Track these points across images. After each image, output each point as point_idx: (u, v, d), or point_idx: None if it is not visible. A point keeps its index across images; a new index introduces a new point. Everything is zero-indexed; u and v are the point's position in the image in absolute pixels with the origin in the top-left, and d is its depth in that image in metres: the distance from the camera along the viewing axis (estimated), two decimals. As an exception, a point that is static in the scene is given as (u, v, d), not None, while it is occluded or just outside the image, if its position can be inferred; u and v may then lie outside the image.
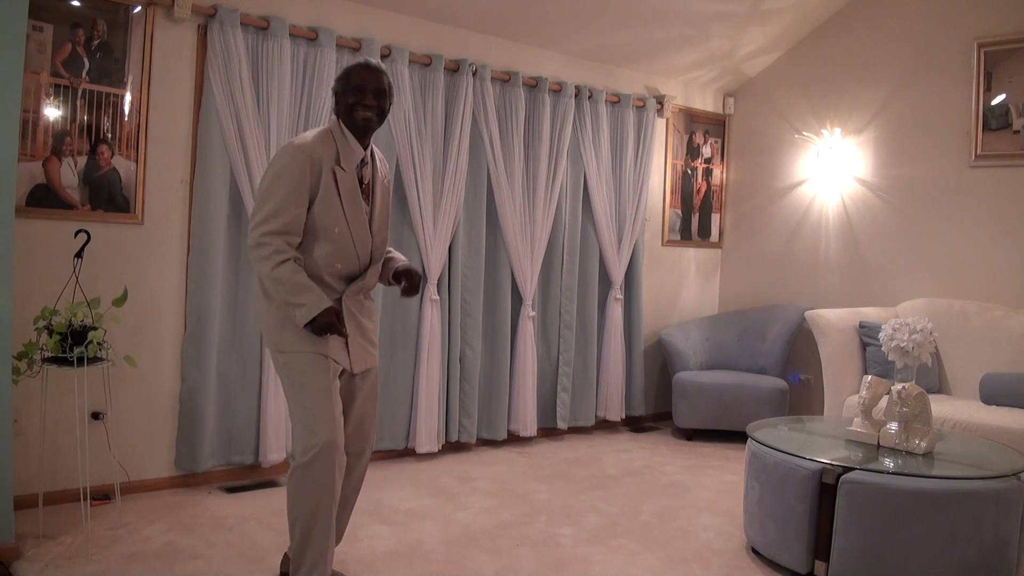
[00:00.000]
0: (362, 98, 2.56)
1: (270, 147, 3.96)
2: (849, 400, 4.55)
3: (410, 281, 2.73)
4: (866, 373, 4.62)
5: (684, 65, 5.71)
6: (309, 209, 2.53)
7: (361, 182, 2.63)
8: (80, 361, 3.08)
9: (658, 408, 5.89)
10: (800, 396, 5.59)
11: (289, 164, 2.50)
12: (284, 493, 3.82)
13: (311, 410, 2.56)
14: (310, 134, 2.59)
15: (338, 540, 2.84)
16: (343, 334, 2.55)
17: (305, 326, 2.50)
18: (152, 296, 3.77)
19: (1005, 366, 4.35)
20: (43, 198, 3.48)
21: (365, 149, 2.64)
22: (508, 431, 4.97)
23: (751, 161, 6.12)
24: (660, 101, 5.68)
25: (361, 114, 2.57)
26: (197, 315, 3.83)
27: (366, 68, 2.61)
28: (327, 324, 2.49)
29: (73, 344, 3.09)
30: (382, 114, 2.64)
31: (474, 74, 4.70)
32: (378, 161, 2.73)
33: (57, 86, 3.49)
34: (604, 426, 5.53)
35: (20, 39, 2.88)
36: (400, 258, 2.86)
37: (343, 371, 2.67)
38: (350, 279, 2.64)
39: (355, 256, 2.61)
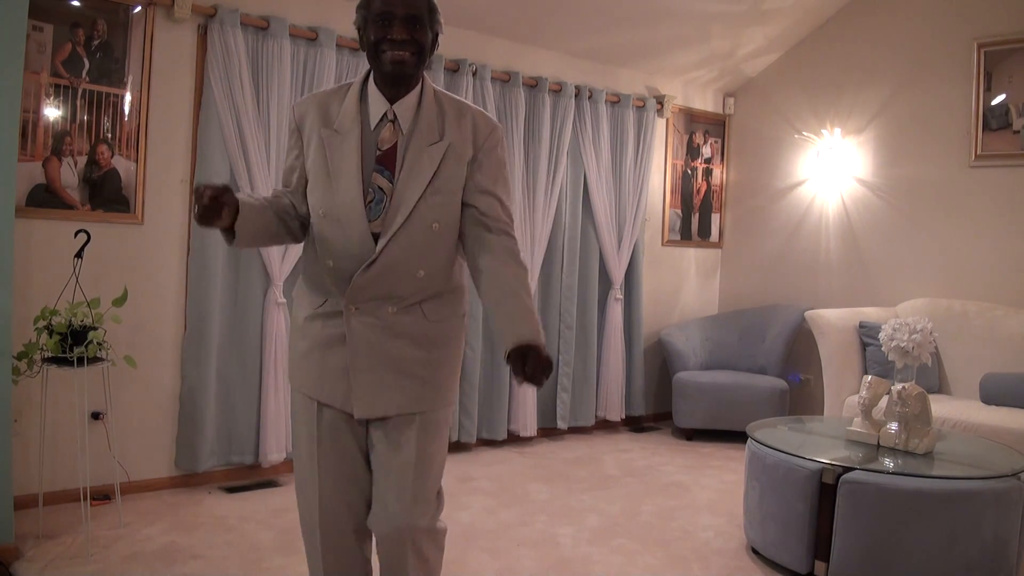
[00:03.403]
0: (388, 31, 1.84)
1: (270, 147, 3.96)
2: (849, 400, 4.55)
3: (531, 369, 1.74)
4: (866, 373, 4.62)
5: (684, 65, 5.70)
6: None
7: (379, 146, 1.89)
8: (80, 361, 3.08)
9: (658, 408, 5.88)
10: (800, 396, 5.58)
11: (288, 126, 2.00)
12: (284, 493, 3.86)
13: (296, 474, 2.00)
14: (330, 87, 2.03)
15: None
16: (201, 198, 1.72)
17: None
18: (152, 296, 3.77)
19: (1005, 366, 4.35)
20: (43, 198, 3.48)
21: (393, 102, 1.90)
22: (508, 431, 4.97)
23: (751, 161, 6.12)
24: (660, 101, 5.68)
25: (389, 55, 1.84)
26: (197, 315, 3.83)
27: None
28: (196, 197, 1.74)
29: (73, 344, 3.09)
30: (420, 51, 1.87)
31: (474, 74, 4.70)
32: (427, 114, 1.91)
33: (57, 86, 3.49)
34: (604, 426, 5.53)
35: (20, 39, 2.88)
36: (526, 315, 1.86)
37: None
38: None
39: (350, 252, 1.87)
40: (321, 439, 1.93)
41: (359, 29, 1.91)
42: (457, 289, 2.03)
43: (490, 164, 1.96)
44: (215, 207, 1.74)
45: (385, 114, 1.90)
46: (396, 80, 1.88)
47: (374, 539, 1.99)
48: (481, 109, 2.03)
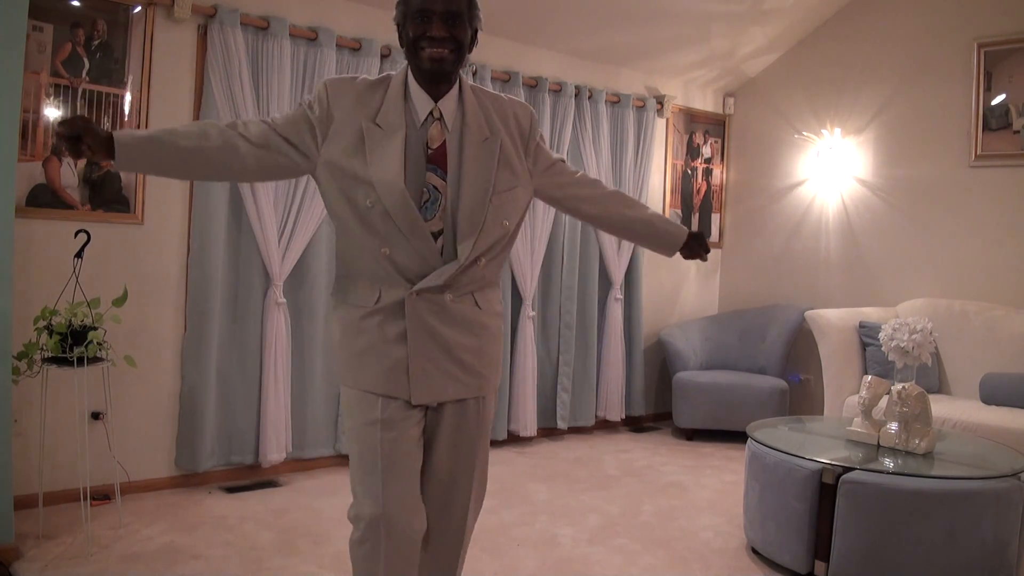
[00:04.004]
0: (427, 28, 1.84)
1: (270, 147, 3.95)
2: (849, 400, 4.55)
3: (698, 250, 2.21)
4: (866, 373, 4.62)
5: (684, 65, 5.70)
6: (327, 171, 1.89)
7: (428, 145, 1.89)
8: (80, 361, 3.08)
9: (658, 408, 5.88)
10: (800, 396, 5.59)
11: (312, 97, 1.94)
12: (284, 493, 3.86)
13: (354, 470, 1.94)
14: (368, 77, 1.98)
15: None
16: (62, 135, 1.71)
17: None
18: (152, 296, 3.77)
19: (1005, 366, 4.35)
20: (43, 198, 3.48)
21: (437, 100, 1.91)
22: (508, 431, 4.97)
23: (751, 161, 6.12)
24: (660, 101, 5.68)
25: (427, 52, 1.84)
26: (197, 315, 3.83)
27: None
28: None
29: (73, 344, 3.09)
30: (459, 48, 1.88)
31: (474, 74, 4.70)
32: (472, 110, 1.94)
33: (57, 86, 3.49)
34: (604, 426, 5.53)
35: (20, 39, 2.87)
36: (670, 223, 2.24)
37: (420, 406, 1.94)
38: (418, 272, 1.88)
39: (404, 241, 1.85)
40: (388, 434, 1.89)
41: (399, 25, 1.90)
42: (499, 281, 2.09)
43: (542, 145, 2.07)
44: (73, 144, 1.71)
45: (431, 112, 1.90)
46: (435, 77, 1.88)
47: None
48: (513, 97, 2.06)
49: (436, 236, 1.87)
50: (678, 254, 2.23)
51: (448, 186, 1.88)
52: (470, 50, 1.93)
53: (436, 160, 1.88)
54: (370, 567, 1.89)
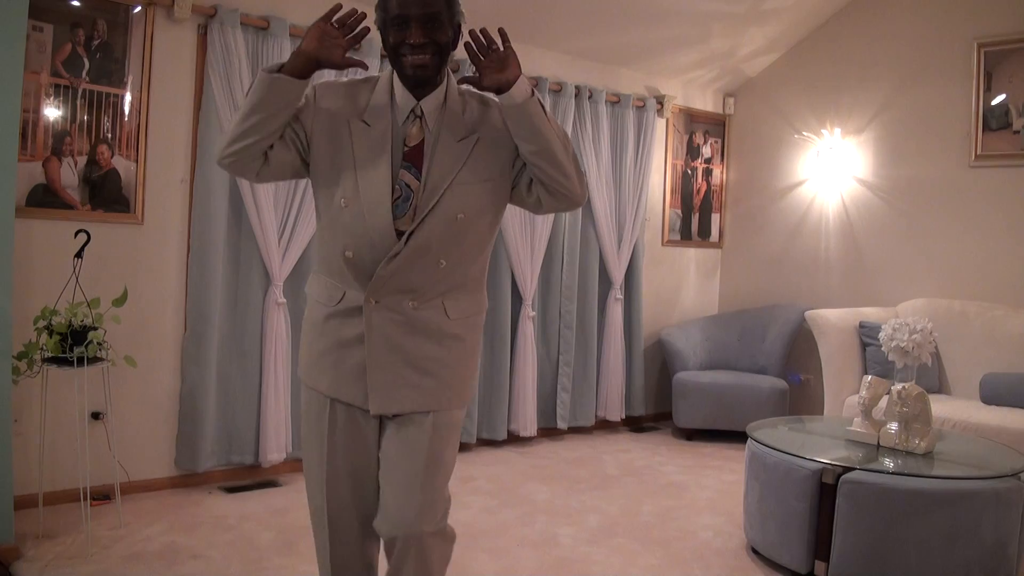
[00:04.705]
0: (406, 34, 1.79)
1: (270, 147, 3.96)
2: (849, 400, 4.55)
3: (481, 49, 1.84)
4: (866, 373, 4.62)
5: (684, 65, 5.70)
6: (309, 169, 1.92)
7: (405, 142, 1.87)
8: (80, 361, 3.08)
9: (658, 408, 5.88)
10: (800, 396, 5.58)
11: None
12: (284, 493, 3.86)
13: (306, 474, 2.00)
14: (355, 77, 2.00)
15: None
16: (343, 33, 1.76)
17: (286, 72, 1.76)
18: (152, 296, 3.77)
19: (1005, 366, 4.35)
20: (43, 198, 3.48)
21: (420, 98, 1.87)
22: (508, 431, 4.97)
23: (751, 161, 6.12)
24: (660, 101, 5.68)
25: (408, 59, 1.80)
26: (197, 315, 3.83)
27: None
28: (309, 40, 1.75)
29: (73, 344, 3.09)
30: (441, 51, 1.83)
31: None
32: (454, 111, 1.90)
33: (57, 86, 3.49)
34: (604, 426, 5.53)
35: (20, 39, 2.88)
36: None
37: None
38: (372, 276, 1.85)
39: (371, 244, 1.83)
40: (333, 437, 1.91)
41: (380, 29, 1.87)
42: (478, 286, 2.01)
43: None
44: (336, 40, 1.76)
45: (413, 110, 1.88)
46: (418, 83, 1.85)
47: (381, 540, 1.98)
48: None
49: (400, 234, 1.83)
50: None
51: (420, 185, 1.85)
52: (455, 46, 1.89)
53: (411, 158, 1.86)
54: (320, 545, 2.01)
